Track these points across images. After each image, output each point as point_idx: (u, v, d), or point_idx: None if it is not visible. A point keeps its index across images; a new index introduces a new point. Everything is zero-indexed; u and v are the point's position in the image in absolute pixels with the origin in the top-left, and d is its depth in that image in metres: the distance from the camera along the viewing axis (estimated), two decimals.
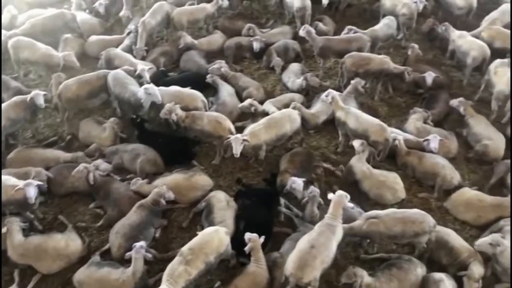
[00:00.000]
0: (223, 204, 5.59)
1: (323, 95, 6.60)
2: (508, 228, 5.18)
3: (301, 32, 7.92)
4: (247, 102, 6.91)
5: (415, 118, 6.81)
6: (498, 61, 7.19)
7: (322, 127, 7.08)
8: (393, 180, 5.97)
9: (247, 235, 4.84)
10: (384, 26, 8.34)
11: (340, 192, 5.05)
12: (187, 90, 6.93)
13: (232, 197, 5.86)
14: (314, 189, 5.55)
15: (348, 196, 5.00)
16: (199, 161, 6.61)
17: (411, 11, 8.40)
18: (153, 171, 6.33)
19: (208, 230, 4.99)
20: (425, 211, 5.77)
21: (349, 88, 7.11)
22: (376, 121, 6.31)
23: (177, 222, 5.80)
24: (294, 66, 8.06)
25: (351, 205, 4.98)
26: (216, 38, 8.94)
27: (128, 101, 6.77)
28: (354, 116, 6.36)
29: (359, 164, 6.02)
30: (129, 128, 7.06)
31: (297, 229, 5.47)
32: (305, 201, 5.60)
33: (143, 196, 5.74)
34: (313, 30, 7.89)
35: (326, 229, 4.76)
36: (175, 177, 6.08)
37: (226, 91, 7.36)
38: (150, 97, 6.48)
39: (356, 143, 6.13)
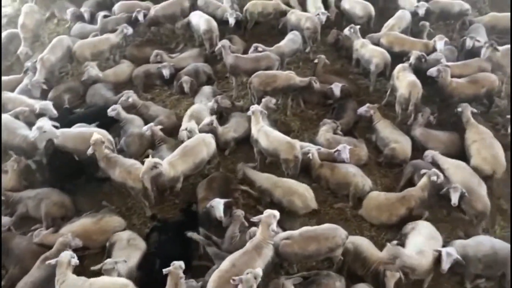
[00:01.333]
0: (123, 243, 5.32)
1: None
2: (415, 229, 5.42)
3: (216, 48, 7.88)
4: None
5: (325, 130, 6.92)
6: (400, 66, 7.50)
7: (237, 148, 7.01)
8: (305, 188, 6.03)
9: (166, 271, 4.58)
10: (289, 41, 8.47)
11: (269, 212, 4.94)
12: (91, 129, 6.53)
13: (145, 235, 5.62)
14: (239, 210, 5.57)
15: (277, 215, 4.91)
16: (110, 200, 6.28)
17: (314, 24, 8.61)
18: (60, 214, 5.97)
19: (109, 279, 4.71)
20: (342, 221, 5.99)
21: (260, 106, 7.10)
22: (285, 139, 6.33)
23: (89, 269, 5.41)
24: (205, 89, 7.96)
25: (275, 229, 4.87)
26: (123, 68, 8.65)
27: (19, 147, 6.30)
28: (264, 134, 6.35)
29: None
30: (31, 173, 6.61)
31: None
32: (228, 221, 5.54)
33: (48, 247, 5.33)
34: (228, 45, 7.84)
35: (252, 249, 4.75)
36: (83, 222, 5.74)
37: (131, 124, 7.09)
38: (45, 135, 6.08)
39: None
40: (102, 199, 6.35)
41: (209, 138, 6.42)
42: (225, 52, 7.77)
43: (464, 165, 6.28)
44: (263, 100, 7.13)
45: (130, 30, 8.83)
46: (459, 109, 6.85)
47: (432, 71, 7.15)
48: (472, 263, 5.14)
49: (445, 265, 4.92)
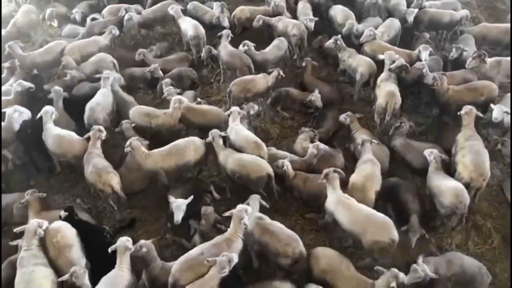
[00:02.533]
0: None
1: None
2: None
3: (240, 47, 8.03)
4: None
5: (302, 138, 6.86)
6: (383, 75, 7.41)
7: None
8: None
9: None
10: (274, 48, 8.43)
11: (240, 206, 5.08)
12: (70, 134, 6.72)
13: None
14: (207, 207, 5.66)
15: (249, 209, 5.07)
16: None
17: (300, 31, 8.57)
18: None
19: None
20: (313, 231, 5.88)
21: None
22: (253, 138, 6.34)
23: None
24: (188, 94, 7.93)
25: (247, 223, 5.00)
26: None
27: None
28: (235, 131, 6.42)
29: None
30: None
31: None
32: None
33: None
34: (252, 45, 8.06)
35: (222, 241, 4.89)
36: None
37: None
38: (22, 116, 6.56)
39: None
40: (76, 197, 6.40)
41: (200, 142, 6.41)
42: (250, 51, 7.99)
43: None
44: (245, 106, 7.16)
45: (117, 32, 8.84)
46: (463, 112, 6.43)
47: (428, 79, 7.07)
48: (441, 281, 5.01)
49: (408, 279, 4.75)
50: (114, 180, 5.95)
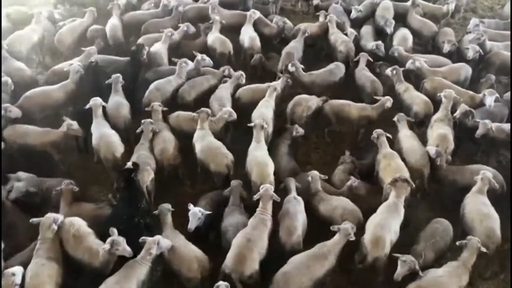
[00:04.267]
0: None
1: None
2: None
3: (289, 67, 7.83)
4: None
5: (341, 170, 6.58)
6: (438, 114, 6.95)
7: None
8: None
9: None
10: (326, 72, 8.17)
11: (266, 186, 5.43)
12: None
13: None
14: (236, 181, 5.98)
15: (273, 187, 5.48)
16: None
17: (347, 49, 8.53)
18: None
19: None
20: None
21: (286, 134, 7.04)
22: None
23: None
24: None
25: (277, 197, 5.43)
26: None
27: None
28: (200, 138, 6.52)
29: None
30: None
31: None
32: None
33: None
34: (300, 67, 7.88)
35: (259, 222, 5.19)
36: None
37: None
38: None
39: None
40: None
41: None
42: (298, 72, 7.79)
43: None
44: (291, 126, 7.05)
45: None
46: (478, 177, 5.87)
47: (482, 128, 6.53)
48: None
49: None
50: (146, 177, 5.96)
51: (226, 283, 4.52)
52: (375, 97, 7.42)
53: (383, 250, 5.00)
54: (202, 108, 6.71)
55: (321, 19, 9.52)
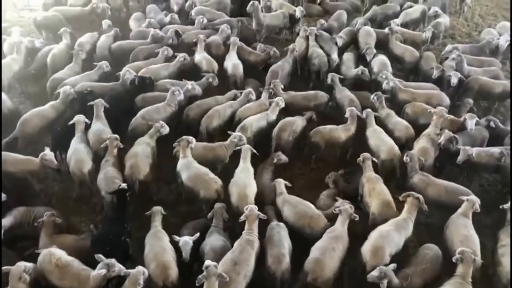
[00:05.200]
0: None
1: None
2: None
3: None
4: None
5: (326, 195, 6.62)
6: (426, 131, 7.18)
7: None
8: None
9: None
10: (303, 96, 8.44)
11: (251, 207, 5.49)
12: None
13: None
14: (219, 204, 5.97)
15: (256, 208, 5.50)
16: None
17: (320, 62, 9.09)
18: None
19: None
20: None
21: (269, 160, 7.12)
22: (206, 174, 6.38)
23: None
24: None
25: (263, 215, 5.50)
26: None
27: None
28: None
29: None
30: None
31: None
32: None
33: None
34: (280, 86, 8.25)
35: (246, 244, 5.20)
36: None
37: None
38: None
39: None
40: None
41: None
42: (276, 90, 8.11)
43: None
44: (274, 153, 7.11)
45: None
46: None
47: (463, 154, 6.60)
48: None
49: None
50: None
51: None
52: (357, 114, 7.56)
53: (382, 260, 5.10)
54: (183, 136, 6.68)
55: (301, 33, 9.99)
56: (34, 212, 6.09)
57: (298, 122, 7.55)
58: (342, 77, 8.79)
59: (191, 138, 6.67)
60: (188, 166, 6.41)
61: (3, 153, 6.64)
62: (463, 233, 5.51)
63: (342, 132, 7.42)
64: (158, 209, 5.84)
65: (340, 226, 5.51)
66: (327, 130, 7.42)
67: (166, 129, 7.00)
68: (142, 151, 6.63)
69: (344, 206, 5.64)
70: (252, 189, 6.13)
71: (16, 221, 5.94)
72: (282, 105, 7.66)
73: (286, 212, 5.98)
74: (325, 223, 5.75)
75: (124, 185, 5.89)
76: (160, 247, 5.28)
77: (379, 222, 5.73)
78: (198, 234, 5.45)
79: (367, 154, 6.62)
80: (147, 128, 7.17)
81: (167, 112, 7.58)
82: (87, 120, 7.09)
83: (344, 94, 8.31)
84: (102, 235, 5.59)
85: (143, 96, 8.02)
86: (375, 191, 6.12)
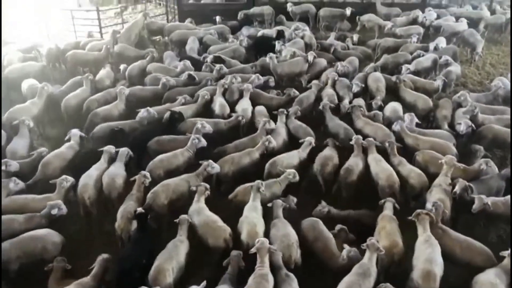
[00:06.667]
0: None
1: None
2: None
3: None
4: None
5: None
6: (437, 184, 6.99)
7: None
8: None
9: None
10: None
11: (262, 239, 5.60)
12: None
13: None
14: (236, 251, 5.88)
15: (267, 241, 5.60)
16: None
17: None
18: None
19: None
20: None
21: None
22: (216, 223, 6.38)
23: None
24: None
25: (274, 248, 5.57)
26: None
27: None
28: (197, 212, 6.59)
29: None
30: None
31: None
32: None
33: None
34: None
35: (260, 279, 5.22)
36: None
37: None
38: None
39: None
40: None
41: None
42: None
43: None
44: (286, 198, 7.05)
45: None
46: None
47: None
48: None
49: None
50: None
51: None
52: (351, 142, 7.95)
53: (435, 283, 5.20)
54: (202, 183, 6.89)
55: (309, 58, 11.13)
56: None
57: (336, 156, 7.85)
58: (333, 105, 9.37)
59: (208, 186, 6.85)
60: (199, 213, 6.44)
61: (20, 196, 6.95)
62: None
63: (360, 161, 7.67)
64: (185, 218, 6.15)
65: (368, 261, 5.49)
66: (359, 168, 7.56)
67: (216, 168, 7.36)
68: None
69: (371, 240, 5.63)
70: (261, 227, 6.22)
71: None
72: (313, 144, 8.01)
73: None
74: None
75: (140, 209, 6.26)
76: (168, 254, 5.66)
77: (385, 262, 5.79)
78: (205, 283, 5.27)
79: (390, 199, 6.72)
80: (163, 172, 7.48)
81: (185, 157, 7.84)
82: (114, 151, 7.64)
83: (336, 122, 8.88)
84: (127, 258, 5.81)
85: (158, 139, 8.22)
86: (385, 230, 6.12)
